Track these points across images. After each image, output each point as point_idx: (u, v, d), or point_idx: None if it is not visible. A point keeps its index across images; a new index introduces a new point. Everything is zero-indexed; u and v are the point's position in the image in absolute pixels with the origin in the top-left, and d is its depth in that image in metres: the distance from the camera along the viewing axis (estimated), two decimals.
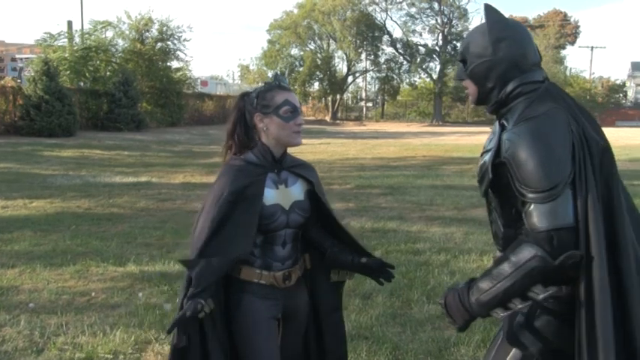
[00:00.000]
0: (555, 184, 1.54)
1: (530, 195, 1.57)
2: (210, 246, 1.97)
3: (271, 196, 2.08)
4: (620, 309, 1.62)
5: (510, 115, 1.71)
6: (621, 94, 55.20)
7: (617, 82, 55.94)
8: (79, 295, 4.65)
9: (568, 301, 1.62)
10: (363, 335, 3.84)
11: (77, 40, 28.34)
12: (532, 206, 1.57)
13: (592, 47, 55.14)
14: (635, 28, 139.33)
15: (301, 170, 2.20)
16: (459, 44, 49.39)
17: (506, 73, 1.73)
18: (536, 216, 1.56)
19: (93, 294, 4.68)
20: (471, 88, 1.83)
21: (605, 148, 1.68)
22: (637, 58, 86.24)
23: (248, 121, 2.12)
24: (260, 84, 2.26)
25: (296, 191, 2.15)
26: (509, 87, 1.73)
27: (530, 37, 1.80)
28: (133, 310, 4.27)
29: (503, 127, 1.71)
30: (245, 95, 2.16)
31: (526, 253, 1.54)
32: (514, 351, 1.72)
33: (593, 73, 55.88)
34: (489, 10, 1.79)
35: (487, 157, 1.75)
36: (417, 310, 4.34)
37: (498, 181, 1.70)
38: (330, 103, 51.36)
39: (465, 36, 1.88)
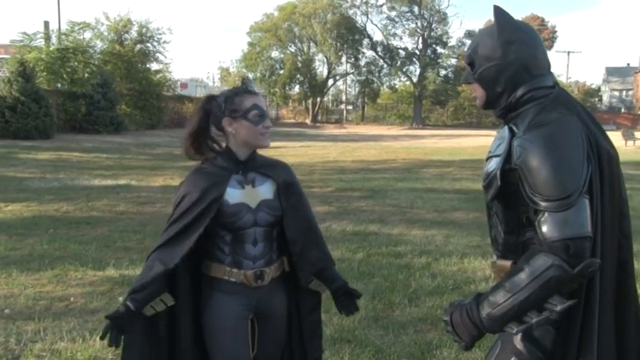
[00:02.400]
0: (570, 192, 1.50)
1: (544, 203, 1.52)
2: (161, 248, 2.05)
3: (236, 195, 2.11)
4: (618, 320, 1.65)
5: (520, 121, 1.66)
6: (596, 99, 56.25)
7: (593, 86, 57.08)
8: (57, 300, 4.57)
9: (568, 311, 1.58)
10: (346, 338, 3.84)
11: (54, 40, 27.93)
12: (545, 215, 1.52)
13: (568, 52, 56.21)
14: (609, 34, 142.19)
15: (270, 170, 2.21)
16: (438, 48, 50.08)
17: (517, 76, 1.68)
18: (550, 225, 1.51)
19: (72, 299, 4.61)
20: (478, 92, 1.78)
21: (614, 157, 1.66)
22: (611, 63, 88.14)
23: (213, 123, 2.16)
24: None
25: (264, 191, 2.17)
26: (520, 92, 1.68)
27: (540, 40, 1.75)
28: None
29: (512, 133, 1.66)
30: (212, 99, 2.18)
31: (542, 262, 1.49)
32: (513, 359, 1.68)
33: (570, 78, 56.83)
34: (498, 11, 1.73)
35: (495, 162, 1.70)
36: (399, 313, 4.36)
37: (506, 187, 1.65)
38: (310, 106, 51.38)
39: (471, 39, 1.80)
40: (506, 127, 1.72)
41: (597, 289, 1.57)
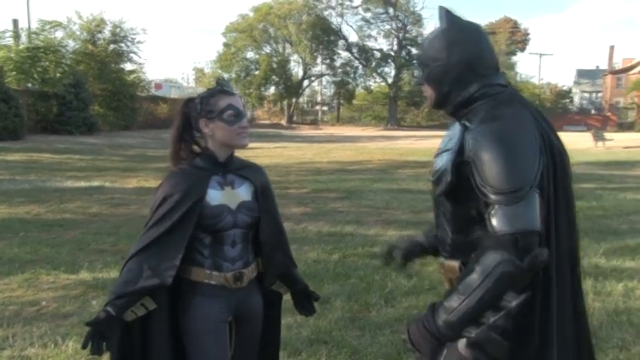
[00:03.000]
0: (520, 186, 1.48)
1: (494, 196, 1.50)
2: (146, 253, 2.02)
3: (216, 196, 2.11)
4: (574, 314, 1.67)
5: (473, 115, 1.65)
6: (568, 100, 57.37)
7: (564, 88, 58.17)
8: (27, 305, 4.47)
9: (515, 316, 1.57)
10: (322, 340, 3.84)
11: (24, 39, 27.37)
12: (496, 207, 1.50)
13: (540, 54, 57.45)
14: (579, 37, 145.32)
15: (248, 172, 2.23)
16: (413, 49, 50.47)
17: (462, 76, 1.69)
18: (500, 218, 1.49)
19: (43, 303, 4.51)
20: (428, 92, 1.79)
21: (565, 156, 1.69)
22: (582, 65, 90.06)
23: (193, 126, 2.15)
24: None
25: (243, 192, 2.18)
26: (473, 88, 1.68)
27: (487, 40, 1.75)
28: (87, 319, 4.12)
29: (465, 127, 1.64)
30: (189, 101, 2.19)
31: (491, 259, 1.47)
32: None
33: (542, 79, 58.02)
34: (444, 12, 1.74)
35: (445, 157, 1.68)
36: (376, 314, 4.37)
37: (457, 181, 1.63)
38: (285, 107, 51.34)
39: (420, 40, 1.82)
40: (457, 124, 1.72)
41: (554, 285, 1.57)
